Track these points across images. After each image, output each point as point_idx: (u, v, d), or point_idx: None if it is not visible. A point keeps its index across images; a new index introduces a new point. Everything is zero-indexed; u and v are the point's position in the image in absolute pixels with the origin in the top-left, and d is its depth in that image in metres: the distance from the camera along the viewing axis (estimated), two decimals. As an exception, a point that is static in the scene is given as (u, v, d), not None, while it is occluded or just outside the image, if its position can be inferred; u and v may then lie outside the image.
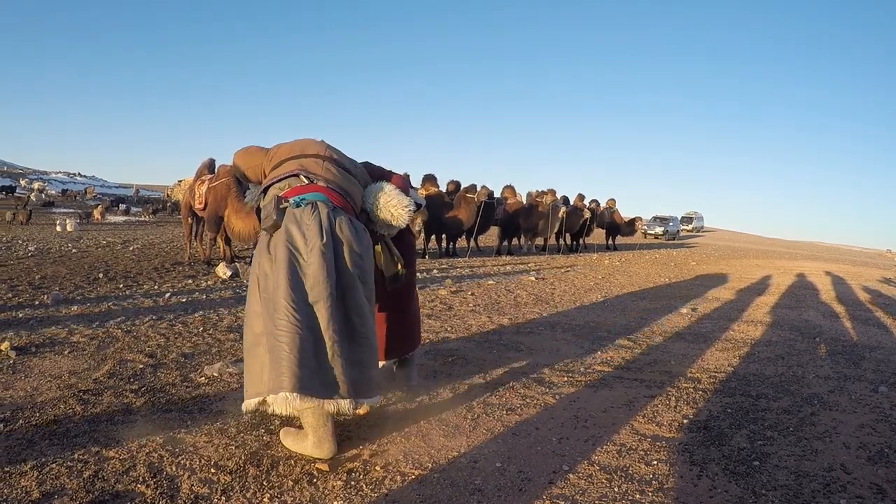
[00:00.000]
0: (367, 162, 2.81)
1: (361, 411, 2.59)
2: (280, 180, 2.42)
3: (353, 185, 2.49)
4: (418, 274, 7.88)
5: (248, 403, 2.17)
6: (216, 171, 7.30)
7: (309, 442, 2.23)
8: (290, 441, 2.31)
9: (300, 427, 2.32)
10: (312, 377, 2.07)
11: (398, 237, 2.91)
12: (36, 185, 29.49)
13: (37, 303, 4.76)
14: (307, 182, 2.36)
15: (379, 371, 2.40)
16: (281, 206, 2.26)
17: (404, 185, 2.69)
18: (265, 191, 2.51)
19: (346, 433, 2.48)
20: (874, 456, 2.54)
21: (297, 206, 2.26)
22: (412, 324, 3.09)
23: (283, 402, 2.04)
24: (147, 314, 4.50)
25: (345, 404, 2.15)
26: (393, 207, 2.56)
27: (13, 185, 29.73)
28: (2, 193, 25.01)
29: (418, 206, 2.83)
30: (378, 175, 2.73)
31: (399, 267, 2.73)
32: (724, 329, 5.35)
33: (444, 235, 11.28)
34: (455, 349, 4.01)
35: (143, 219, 18.38)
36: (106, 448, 2.22)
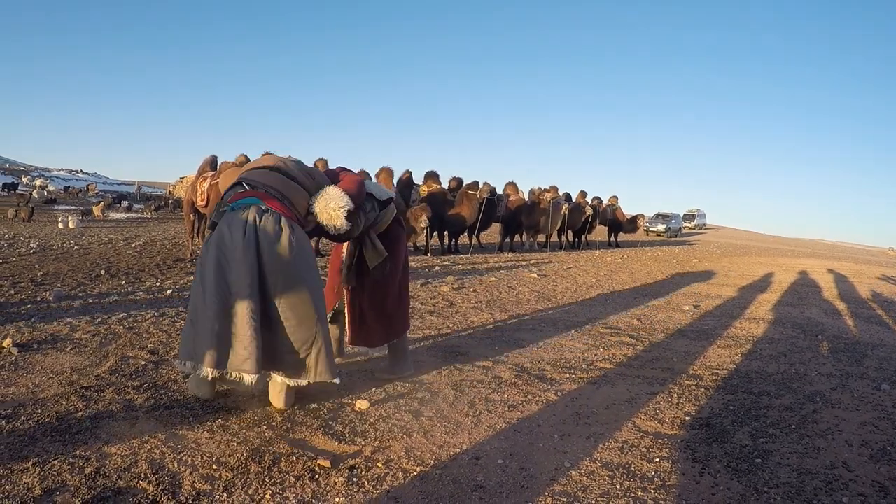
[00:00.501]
0: (341, 167, 3.04)
1: (293, 383, 2.64)
2: (230, 189, 2.73)
3: (295, 191, 2.70)
4: (420, 270, 7.87)
5: (177, 364, 2.61)
6: (218, 167, 7.31)
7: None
8: (190, 385, 2.69)
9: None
10: (224, 356, 2.47)
11: (384, 232, 3.10)
12: (38, 182, 29.44)
13: (39, 299, 4.77)
14: (248, 189, 2.64)
15: (306, 353, 2.60)
16: (220, 210, 2.64)
17: (356, 188, 2.85)
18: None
19: (347, 431, 2.49)
20: (877, 454, 2.54)
21: (233, 209, 2.57)
22: (391, 313, 3.17)
23: (204, 374, 2.48)
24: (149, 311, 4.51)
25: (254, 378, 2.48)
26: (332, 209, 2.74)
27: (15, 181, 29.69)
28: (4, 190, 24.99)
29: (357, 206, 2.99)
30: (335, 179, 2.90)
31: (382, 258, 2.97)
32: (726, 326, 5.34)
33: (446, 232, 11.28)
34: (457, 345, 4.01)
35: (145, 216, 18.37)
36: (108, 444, 2.22)
